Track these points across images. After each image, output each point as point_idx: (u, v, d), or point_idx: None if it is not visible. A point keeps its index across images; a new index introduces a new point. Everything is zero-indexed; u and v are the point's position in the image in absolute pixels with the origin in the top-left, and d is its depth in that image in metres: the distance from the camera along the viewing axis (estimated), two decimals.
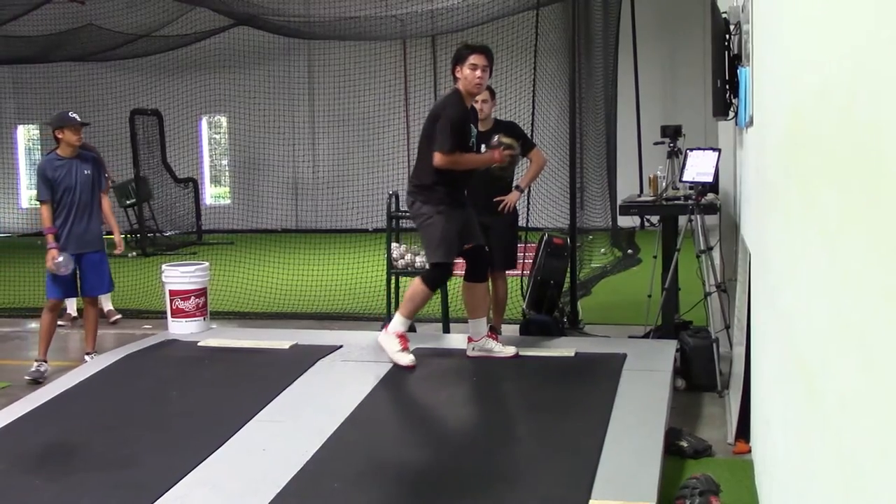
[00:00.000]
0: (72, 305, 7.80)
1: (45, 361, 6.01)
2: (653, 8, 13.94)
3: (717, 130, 6.86)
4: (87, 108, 13.48)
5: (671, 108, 14.02)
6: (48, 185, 5.94)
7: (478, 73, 4.91)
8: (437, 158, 4.92)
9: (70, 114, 6.11)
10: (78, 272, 6.06)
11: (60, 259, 5.86)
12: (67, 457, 4.04)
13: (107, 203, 6.24)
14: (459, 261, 5.23)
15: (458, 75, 4.97)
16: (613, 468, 3.57)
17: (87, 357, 6.10)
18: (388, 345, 5.04)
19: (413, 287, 5.08)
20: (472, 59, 4.90)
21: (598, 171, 10.73)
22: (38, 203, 6.06)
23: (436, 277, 5.11)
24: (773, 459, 3.05)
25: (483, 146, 6.10)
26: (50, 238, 5.91)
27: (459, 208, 5.07)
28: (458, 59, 4.96)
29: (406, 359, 4.97)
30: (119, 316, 7.95)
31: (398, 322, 5.06)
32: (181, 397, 4.87)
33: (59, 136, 6.01)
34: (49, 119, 6.28)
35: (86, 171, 6.07)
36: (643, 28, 13.16)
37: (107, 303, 7.93)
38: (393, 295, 6.42)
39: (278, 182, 16.23)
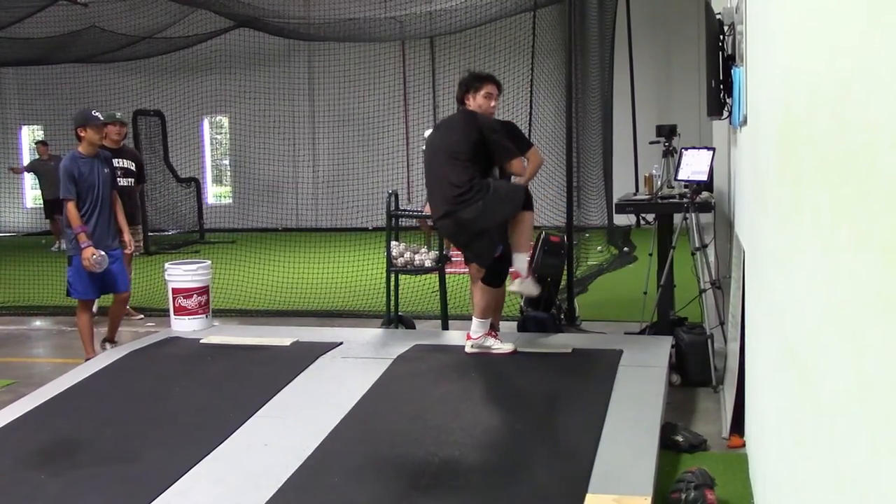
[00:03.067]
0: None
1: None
2: (647, 9, 14.00)
3: (711, 130, 6.87)
4: (87, 109, 13.52)
5: (666, 107, 14.05)
6: (74, 182, 5.90)
7: (492, 102, 5.13)
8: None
9: (93, 112, 6.10)
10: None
11: (96, 256, 5.85)
12: (72, 452, 4.06)
13: (117, 202, 6.22)
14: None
15: (469, 102, 5.09)
16: (610, 462, 3.60)
17: (106, 345, 6.16)
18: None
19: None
20: (488, 88, 5.09)
21: (595, 170, 10.78)
22: (63, 201, 5.94)
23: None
24: (767, 453, 3.06)
25: None
26: (83, 237, 5.85)
27: None
28: (471, 88, 5.09)
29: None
30: (140, 316, 7.99)
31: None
32: (184, 394, 4.89)
33: (82, 134, 5.97)
34: (73, 116, 6.23)
35: (105, 170, 6.07)
36: (638, 29, 13.22)
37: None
38: (392, 293, 6.47)
39: (279, 181, 16.29)
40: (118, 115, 7.77)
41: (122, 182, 7.32)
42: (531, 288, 5.19)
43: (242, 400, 4.61)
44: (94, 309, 7.70)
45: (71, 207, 5.89)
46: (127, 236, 6.25)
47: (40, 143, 14.52)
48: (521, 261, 5.06)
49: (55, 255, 12.39)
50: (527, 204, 5.08)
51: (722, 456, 4.17)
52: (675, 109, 13.47)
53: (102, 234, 6.01)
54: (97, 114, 6.10)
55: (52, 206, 14.00)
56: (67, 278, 6.05)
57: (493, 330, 5.46)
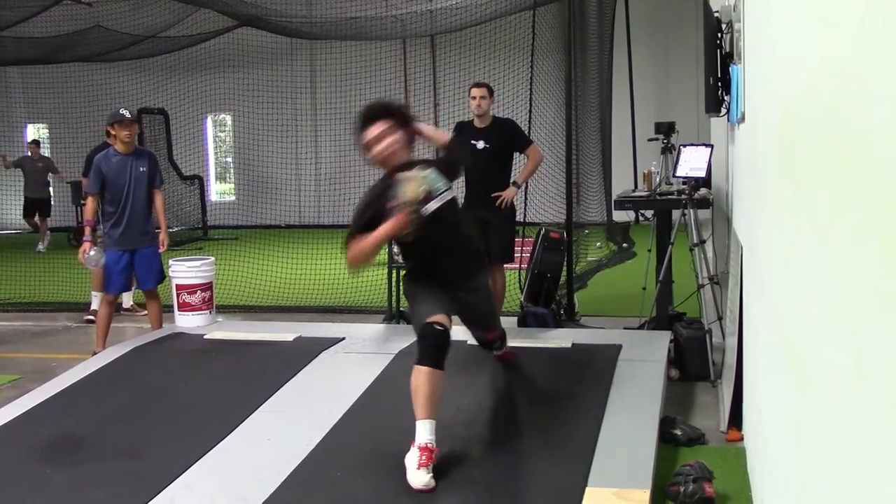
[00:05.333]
0: (127, 298, 7.95)
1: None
2: (646, 7, 14.03)
3: (709, 127, 6.92)
4: (94, 108, 13.59)
5: (665, 105, 14.08)
6: (100, 179, 6.01)
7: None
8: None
9: (121, 110, 6.17)
10: (133, 266, 6.15)
11: (92, 253, 5.93)
12: (77, 447, 4.08)
13: (159, 200, 6.26)
14: None
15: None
16: (609, 456, 3.62)
17: None
18: (409, 461, 3.54)
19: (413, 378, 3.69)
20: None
21: (594, 167, 10.80)
22: (85, 195, 6.19)
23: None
24: (764, 447, 3.06)
25: (482, 143, 6.22)
26: (86, 231, 6.02)
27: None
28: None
29: (420, 479, 3.45)
30: (145, 312, 7.99)
31: (419, 429, 3.60)
32: (188, 389, 4.92)
33: (112, 132, 6.10)
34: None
35: (141, 168, 6.11)
36: (637, 27, 13.26)
37: (128, 299, 8.02)
38: (394, 289, 6.51)
39: (282, 179, 16.34)
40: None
41: None
42: (421, 480, 3.45)
43: (246, 395, 4.65)
44: (129, 304, 7.82)
45: (89, 202, 6.05)
46: (163, 235, 6.30)
47: (32, 143, 14.51)
48: (422, 433, 3.57)
49: (44, 255, 12.47)
50: (427, 358, 3.67)
51: (720, 449, 4.19)
52: (674, 107, 13.52)
53: (132, 232, 6.09)
54: (124, 111, 6.16)
55: (34, 206, 13.96)
56: None
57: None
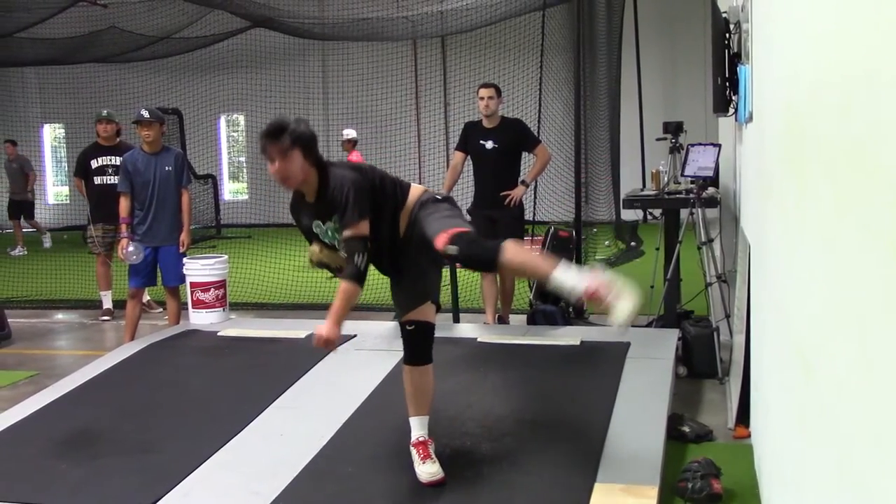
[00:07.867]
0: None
1: None
2: (655, 8, 14.02)
3: (717, 126, 6.92)
4: (109, 108, 13.65)
5: (673, 104, 14.06)
6: (128, 177, 6.16)
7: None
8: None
9: (141, 111, 6.27)
10: (157, 263, 6.24)
11: (130, 249, 6.05)
12: (93, 442, 4.13)
13: (185, 199, 6.31)
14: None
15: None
16: (618, 452, 3.64)
17: None
18: (413, 461, 3.62)
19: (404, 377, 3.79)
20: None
21: (603, 166, 10.81)
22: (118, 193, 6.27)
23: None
24: (771, 444, 3.09)
25: (490, 142, 6.28)
26: (123, 228, 6.17)
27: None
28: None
29: (427, 471, 3.55)
30: (160, 309, 8.00)
31: (412, 426, 3.73)
32: (202, 385, 4.97)
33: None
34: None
35: (167, 168, 6.21)
36: (645, 27, 13.24)
37: (143, 295, 8.09)
38: None
39: None
40: (105, 112, 7.84)
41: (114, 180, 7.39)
42: (428, 471, 3.55)
43: (259, 391, 4.69)
44: (146, 300, 7.90)
45: (121, 200, 6.19)
46: (184, 236, 6.31)
47: (9, 143, 14.04)
48: (413, 431, 3.69)
49: (51, 253, 12.55)
50: (406, 356, 3.78)
51: (727, 446, 4.21)
52: (682, 106, 13.50)
53: (156, 230, 6.19)
54: (144, 112, 6.24)
55: (17, 208, 13.64)
56: None
57: (505, 322, 5.21)
